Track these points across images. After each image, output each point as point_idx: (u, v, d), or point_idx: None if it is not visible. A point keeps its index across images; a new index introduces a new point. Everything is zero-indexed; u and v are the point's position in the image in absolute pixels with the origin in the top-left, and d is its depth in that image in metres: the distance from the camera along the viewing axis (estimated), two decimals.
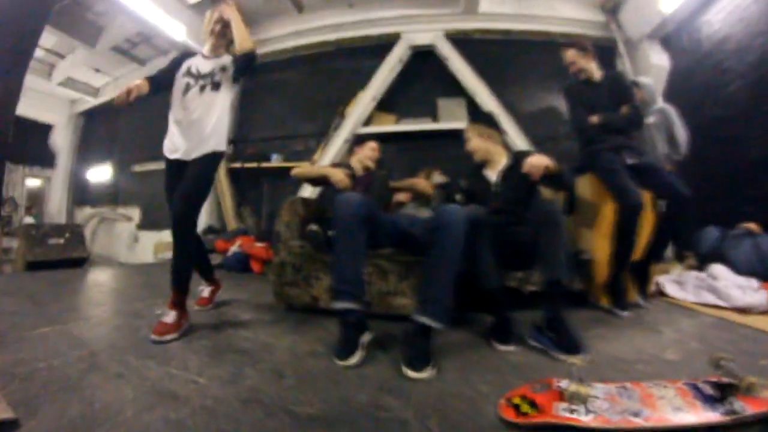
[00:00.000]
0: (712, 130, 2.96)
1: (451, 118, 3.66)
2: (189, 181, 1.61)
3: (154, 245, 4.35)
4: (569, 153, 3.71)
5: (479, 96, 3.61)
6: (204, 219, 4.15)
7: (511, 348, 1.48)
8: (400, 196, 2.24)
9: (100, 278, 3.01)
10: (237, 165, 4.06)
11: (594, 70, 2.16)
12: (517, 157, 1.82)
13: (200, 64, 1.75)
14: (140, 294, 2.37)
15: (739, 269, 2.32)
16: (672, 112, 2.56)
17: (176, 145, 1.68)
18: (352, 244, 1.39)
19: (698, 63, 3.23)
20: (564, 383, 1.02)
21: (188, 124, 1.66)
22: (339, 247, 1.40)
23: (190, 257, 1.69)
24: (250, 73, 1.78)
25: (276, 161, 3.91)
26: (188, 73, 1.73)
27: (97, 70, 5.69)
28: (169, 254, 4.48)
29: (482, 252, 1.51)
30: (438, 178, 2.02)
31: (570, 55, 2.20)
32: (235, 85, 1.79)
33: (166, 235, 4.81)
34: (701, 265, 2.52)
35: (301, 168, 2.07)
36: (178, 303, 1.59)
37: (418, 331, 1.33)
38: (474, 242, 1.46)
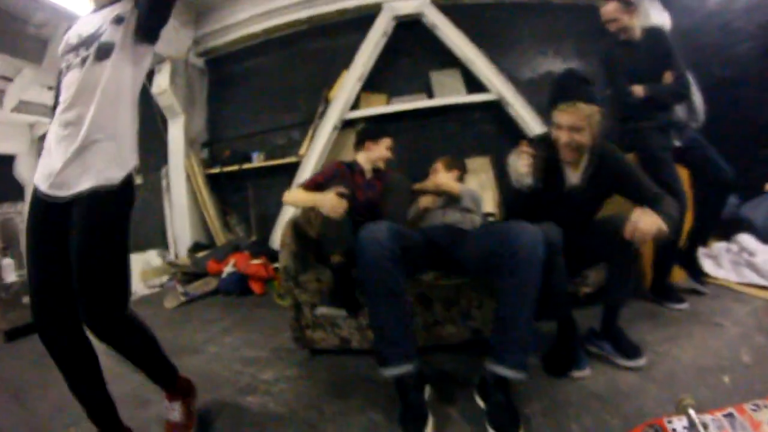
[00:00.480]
0: (719, 93, 2.66)
1: (447, 92, 3.23)
2: (81, 251, 0.93)
3: (141, 273, 3.83)
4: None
5: (476, 65, 3.18)
6: (189, 235, 3.63)
7: (587, 372, 1.27)
8: (425, 201, 1.79)
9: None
10: (215, 170, 3.52)
11: (637, 29, 1.80)
12: (603, 156, 1.38)
13: (82, 25, 1.05)
14: None
15: (760, 234, 2.17)
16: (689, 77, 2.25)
17: (49, 167, 0.99)
18: (389, 292, 1.11)
19: (703, 22, 2.94)
20: (677, 424, 0.86)
21: (64, 126, 0.97)
22: (374, 299, 1.13)
23: (149, 345, 1.11)
24: (165, 14, 1.01)
25: (258, 161, 3.44)
26: (66, 47, 1.04)
27: (50, 88, 4.93)
28: (160, 280, 3.82)
29: (557, 278, 1.22)
30: (521, 165, 1.30)
31: (611, 10, 1.81)
32: (144, 46, 1.04)
33: (152, 258, 4.28)
34: (723, 233, 2.35)
35: (290, 196, 1.70)
36: (173, 390, 1.18)
37: (495, 383, 1.08)
38: (547, 268, 1.16)
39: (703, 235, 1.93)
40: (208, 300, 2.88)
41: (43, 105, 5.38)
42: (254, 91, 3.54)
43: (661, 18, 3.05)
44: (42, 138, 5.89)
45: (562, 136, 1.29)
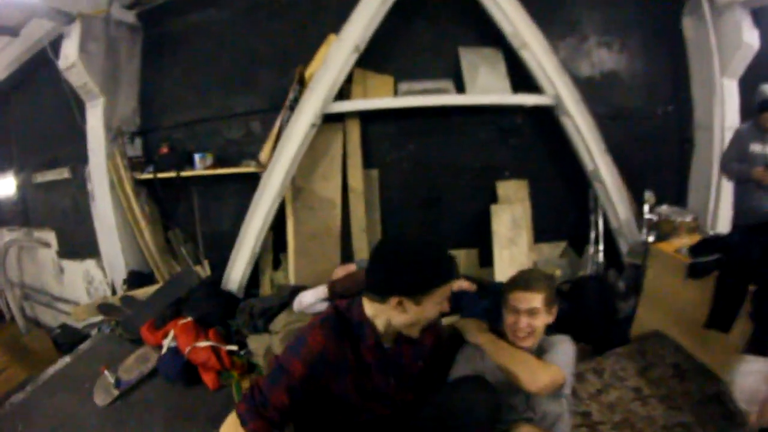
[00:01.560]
0: None
1: (483, 81, 1.75)
2: None
3: (72, 311, 2.43)
4: (634, 137, 2.00)
5: (530, 49, 1.67)
6: (123, 261, 2.17)
7: None
8: None
9: None
10: (148, 176, 2.02)
11: None
12: None
13: None
14: None
15: None
16: None
17: None
18: None
19: None
20: None
21: None
22: None
23: None
24: None
25: (202, 165, 1.88)
26: None
27: None
28: (94, 319, 2.29)
29: None
30: None
31: None
32: None
33: (92, 268, 2.82)
34: None
35: None
36: None
37: None
38: None
39: None
40: (148, 392, 1.52)
41: None
42: (202, 59, 1.92)
43: (750, 37, 1.85)
44: None
45: None
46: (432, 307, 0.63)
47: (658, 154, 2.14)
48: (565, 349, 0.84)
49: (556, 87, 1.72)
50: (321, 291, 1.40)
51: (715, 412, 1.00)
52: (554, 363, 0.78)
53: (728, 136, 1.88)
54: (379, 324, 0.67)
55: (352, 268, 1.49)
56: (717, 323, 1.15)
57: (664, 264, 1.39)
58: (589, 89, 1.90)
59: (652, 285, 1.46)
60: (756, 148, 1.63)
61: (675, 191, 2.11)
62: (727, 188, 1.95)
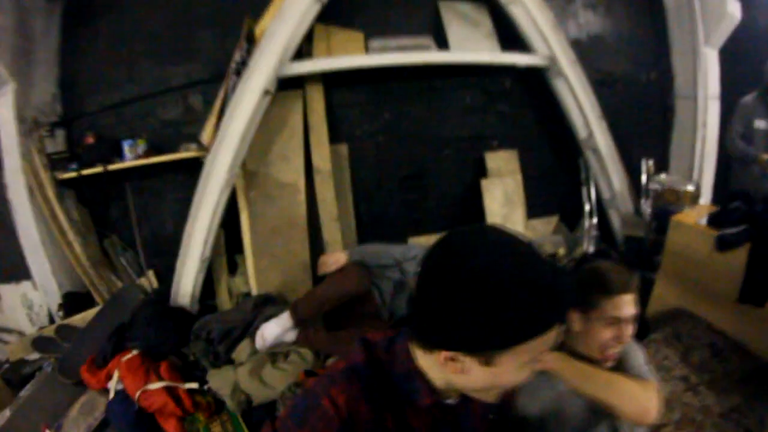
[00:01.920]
0: None
1: (467, 38, 1.41)
2: None
3: (9, 350, 1.87)
4: (618, 104, 1.77)
5: (522, 4, 1.36)
6: (55, 282, 1.67)
7: None
8: None
9: None
10: (71, 174, 1.54)
11: None
12: None
13: None
14: None
15: None
16: None
17: None
18: None
19: None
20: None
21: None
22: None
23: None
24: None
25: (132, 154, 1.43)
26: None
27: None
28: (33, 356, 1.81)
29: None
30: None
31: None
32: None
33: (30, 291, 2.25)
34: None
35: None
36: None
37: None
38: None
39: None
40: None
41: None
42: (130, 28, 1.47)
43: (733, 7, 1.69)
44: None
45: None
46: (515, 369, 0.32)
47: (641, 122, 1.95)
48: (642, 355, 0.62)
49: (551, 46, 1.42)
50: (286, 318, 1.01)
51: (758, 391, 0.93)
52: (643, 377, 0.58)
53: (711, 105, 1.75)
54: (435, 378, 0.37)
55: (341, 258, 1.08)
56: (751, 297, 1.01)
57: (686, 237, 1.19)
58: (581, 55, 1.63)
59: (673, 259, 1.24)
60: (761, 124, 1.48)
61: (658, 161, 1.92)
62: (710, 159, 1.81)
